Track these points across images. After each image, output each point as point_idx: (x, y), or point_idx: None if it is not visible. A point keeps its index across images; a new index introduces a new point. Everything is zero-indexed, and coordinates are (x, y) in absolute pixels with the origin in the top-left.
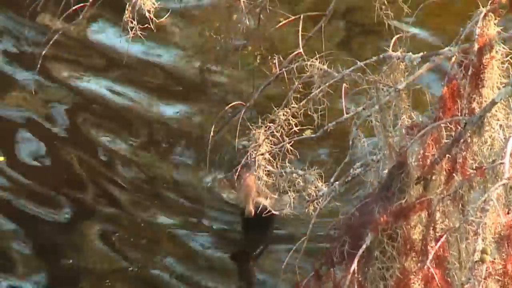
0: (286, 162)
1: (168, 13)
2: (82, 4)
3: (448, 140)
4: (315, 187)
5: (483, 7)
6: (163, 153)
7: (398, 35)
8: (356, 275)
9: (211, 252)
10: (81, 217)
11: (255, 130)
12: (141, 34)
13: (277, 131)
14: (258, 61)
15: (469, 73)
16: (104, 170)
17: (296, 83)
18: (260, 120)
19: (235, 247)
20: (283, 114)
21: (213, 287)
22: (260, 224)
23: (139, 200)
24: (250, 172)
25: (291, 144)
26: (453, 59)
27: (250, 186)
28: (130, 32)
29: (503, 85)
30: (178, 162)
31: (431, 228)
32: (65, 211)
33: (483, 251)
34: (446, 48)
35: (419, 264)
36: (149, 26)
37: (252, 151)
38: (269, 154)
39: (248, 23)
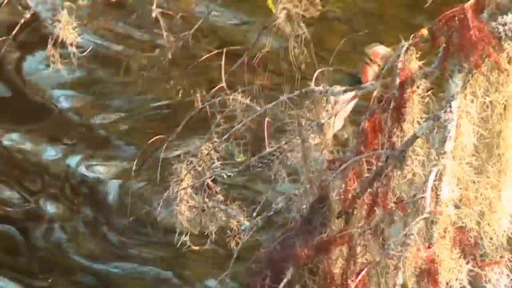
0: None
1: (90, 47)
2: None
3: (369, 174)
4: (237, 222)
5: (405, 40)
6: None
7: (320, 69)
8: None
9: None
10: None
11: (177, 164)
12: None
13: (199, 166)
14: (180, 95)
15: (391, 107)
16: None
17: (218, 118)
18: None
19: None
20: (205, 149)
21: None
22: None
23: None
24: None
25: (212, 179)
26: (375, 93)
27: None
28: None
29: (424, 119)
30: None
31: (352, 262)
32: None
33: (404, 286)
34: (368, 83)
35: None
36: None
37: (173, 186)
38: (192, 189)
39: (170, 56)
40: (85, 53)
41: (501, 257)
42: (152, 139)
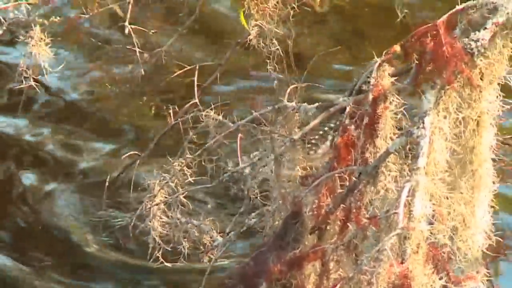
0: (180, 212)
1: (63, 64)
2: None
3: (342, 190)
4: (210, 237)
5: (377, 57)
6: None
7: (293, 86)
8: None
9: None
10: None
11: (149, 180)
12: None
13: (172, 182)
14: (153, 111)
15: (364, 123)
16: None
17: (191, 134)
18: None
19: None
20: (178, 165)
21: None
22: None
23: None
24: None
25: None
26: (348, 109)
27: None
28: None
29: (396, 135)
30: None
31: (325, 277)
32: None
33: None
34: (341, 98)
35: None
36: None
37: (147, 202)
38: (165, 205)
39: (143, 71)
40: (58, 68)
41: (477, 272)
42: (125, 155)
